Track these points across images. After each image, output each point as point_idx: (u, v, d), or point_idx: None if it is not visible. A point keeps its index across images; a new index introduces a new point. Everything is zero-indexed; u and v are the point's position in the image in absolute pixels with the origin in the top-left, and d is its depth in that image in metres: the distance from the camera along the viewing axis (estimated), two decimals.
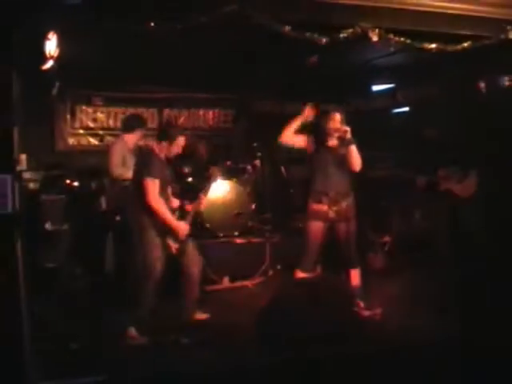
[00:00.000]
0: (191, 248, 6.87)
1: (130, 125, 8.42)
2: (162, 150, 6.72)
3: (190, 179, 9.38)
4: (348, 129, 7.04)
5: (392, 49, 7.15)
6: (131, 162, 7.66)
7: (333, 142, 7.32)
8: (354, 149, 7.08)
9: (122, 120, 9.24)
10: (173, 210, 6.77)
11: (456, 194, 8.58)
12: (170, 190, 6.82)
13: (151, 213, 6.46)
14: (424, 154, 8.74)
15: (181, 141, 6.80)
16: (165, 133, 6.88)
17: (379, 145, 10.17)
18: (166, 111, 10.89)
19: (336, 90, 10.75)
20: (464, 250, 8.43)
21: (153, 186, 6.45)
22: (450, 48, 7.21)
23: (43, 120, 10.06)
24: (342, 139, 7.18)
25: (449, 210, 8.68)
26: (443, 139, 8.73)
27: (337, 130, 7.17)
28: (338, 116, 7.23)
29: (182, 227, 6.71)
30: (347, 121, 7.21)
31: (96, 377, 5.25)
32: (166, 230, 6.56)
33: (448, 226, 8.71)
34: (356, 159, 7.13)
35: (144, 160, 6.76)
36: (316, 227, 7.28)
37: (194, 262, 6.88)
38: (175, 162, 7.37)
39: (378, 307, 7.21)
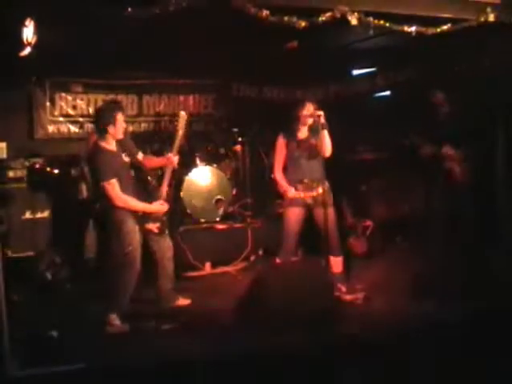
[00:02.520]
0: (164, 235, 6.87)
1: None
2: (108, 140, 6.54)
3: None
4: (321, 113, 7.04)
5: (371, 32, 7.15)
6: None
7: (304, 131, 7.36)
8: (326, 134, 7.10)
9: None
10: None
11: (455, 176, 8.55)
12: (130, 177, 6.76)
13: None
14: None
15: (120, 118, 6.59)
16: (101, 118, 6.63)
17: (359, 128, 10.19)
18: (146, 97, 10.83)
19: (315, 74, 10.76)
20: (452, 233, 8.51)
21: (112, 189, 6.34)
22: (430, 31, 7.24)
23: (22, 108, 9.96)
24: (315, 125, 7.19)
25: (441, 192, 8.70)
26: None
27: (310, 116, 7.19)
28: (310, 106, 7.26)
29: (158, 207, 6.68)
30: (320, 106, 7.23)
31: (76, 365, 5.23)
32: (143, 216, 6.53)
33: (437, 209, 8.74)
34: (327, 144, 7.16)
35: (95, 161, 6.54)
36: (294, 214, 7.29)
37: (166, 249, 6.89)
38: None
39: (360, 292, 7.23)
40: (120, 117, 6.59)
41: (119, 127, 6.55)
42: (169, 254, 6.93)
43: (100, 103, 10.05)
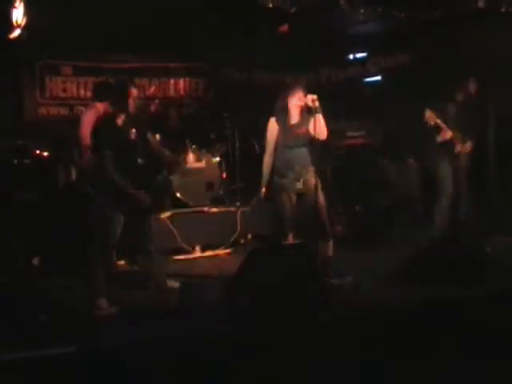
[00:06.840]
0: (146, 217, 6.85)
1: (102, 93, 8.24)
2: (118, 114, 6.54)
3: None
4: (315, 97, 6.99)
5: (361, 17, 7.16)
6: None
7: (295, 117, 7.28)
8: (320, 117, 7.03)
9: (94, 88, 9.01)
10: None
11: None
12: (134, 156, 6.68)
13: (113, 185, 6.39)
14: None
15: (134, 91, 6.64)
16: (115, 89, 6.75)
17: (350, 114, 10.19)
18: (136, 80, 10.78)
19: (306, 59, 10.75)
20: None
21: (107, 161, 6.31)
22: (423, 16, 7.25)
23: (12, 90, 9.93)
24: (308, 109, 7.12)
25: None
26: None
27: (302, 102, 7.13)
28: (300, 92, 7.20)
29: (141, 196, 6.61)
30: (312, 90, 7.18)
31: (65, 348, 5.22)
32: (128, 202, 6.48)
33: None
34: (322, 128, 7.08)
35: (100, 131, 6.55)
36: (287, 199, 7.25)
37: (148, 229, 6.87)
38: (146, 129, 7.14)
39: (349, 276, 7.25)
40: (134, 90, 6.66)
41: (132, 100, 6.56)
42: (149, 234, 6.89)
43: (90, 86, 10.03)
